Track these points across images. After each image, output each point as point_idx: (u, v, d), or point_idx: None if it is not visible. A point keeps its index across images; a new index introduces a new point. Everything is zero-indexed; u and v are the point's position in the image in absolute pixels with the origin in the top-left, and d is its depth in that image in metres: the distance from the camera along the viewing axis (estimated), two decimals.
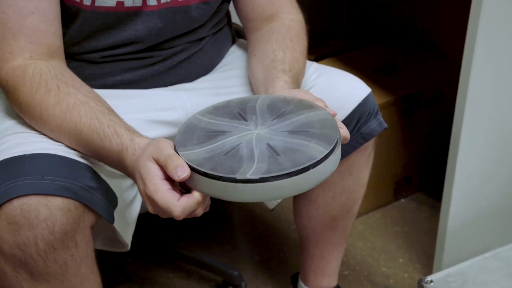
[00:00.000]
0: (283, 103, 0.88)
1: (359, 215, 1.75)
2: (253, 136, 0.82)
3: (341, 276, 1.50)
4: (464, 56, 1.24)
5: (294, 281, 1.44)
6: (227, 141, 0.82)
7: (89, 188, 0.89)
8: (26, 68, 0.93)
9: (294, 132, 0.82)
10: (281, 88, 0.96)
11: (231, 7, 1.20)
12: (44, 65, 0.94)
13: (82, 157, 0.92)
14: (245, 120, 0.86)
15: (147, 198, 0.81)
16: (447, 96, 1.69)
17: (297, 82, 1.02)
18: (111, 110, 0.92)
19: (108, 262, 1.49)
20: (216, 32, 1.18)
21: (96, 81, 1.07)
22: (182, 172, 0.77)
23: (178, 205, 0.78)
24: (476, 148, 1.35)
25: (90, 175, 0.91)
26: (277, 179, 0.75)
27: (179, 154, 0.80)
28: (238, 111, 0.88)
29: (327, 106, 0.89)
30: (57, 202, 0.84)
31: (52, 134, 0.93)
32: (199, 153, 0.80)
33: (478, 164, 1.38)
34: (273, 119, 0.85)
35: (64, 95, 0.91)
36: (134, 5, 1.02)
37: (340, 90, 1.11)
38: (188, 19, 1.08)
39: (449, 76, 1.70)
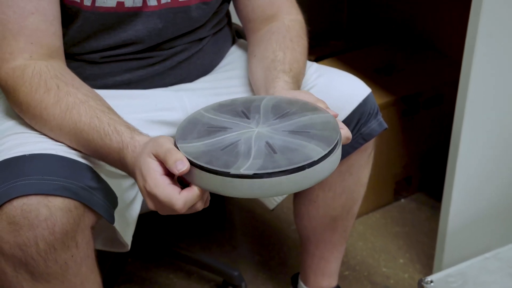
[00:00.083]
0: (288, 104, 0.88)
1: (359, 215, 1.75)
2: (253, 133, 0.82)
3: (341, 277, 1.50)
4: (464, 56, 1.24)
5: (294, 281, 1.44)
6: (226, 137, 0.82)
7: (90, 188, 0.89)
8: (26, 69, 0.93)
9: (295, 132, 0.82)
10: (282, 89, 0.96)
11: (231, 8, 1.20)
12: (43, 65, 0.94)
13: (82, 157, 0.92)
14: (248, 118, 0.86)
15: (147, 194, 0.80)
16: (447, 96, 1.69)
17: (297, 82, 1.02)
18: (110, 109, 0.92)
19: (108, 262, 1.49)
20: (216, 33, 1.18)
21: (96, 81, 1.07)
22: (181, 166, 0.77)
23: (180, 198, 0.78)
24: (476, 148, 1.35)
25: (91, 175, 0.91)
26: (271, 176, 0.75)
27: (177, 147, 0.80)
28: (242, 109, 0.88)
29: (328, 108, 0.89)
30: (57, 202, 0.84)
31: (52, 133, 0.93)
32: (197, 146, 0.80)
33: (478, 164, 1.38)
34: (276, 119, 0.85)
35: (64, 94, 0.91)
36: (134, 5, 1.02)
37: (340, 90, 1.11)
38: (188, 19, 1.08)
39: (449, 76, 1.70)
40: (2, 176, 0.85)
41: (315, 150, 0.78)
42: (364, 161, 1.20)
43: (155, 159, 0.80)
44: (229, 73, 1.18)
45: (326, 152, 0.78)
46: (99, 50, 1.06)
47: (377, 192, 1.75)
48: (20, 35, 0.94)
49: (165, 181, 0.79)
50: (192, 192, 0.79)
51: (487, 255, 1.28)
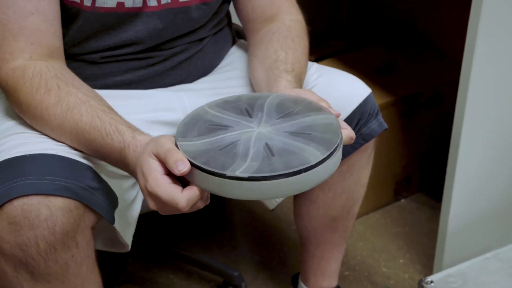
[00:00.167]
0: (293, 103, 0.88)
1: (360, 215, 1.75)
2: (254, 134, 0.82)
3: (341, 277, 1.50)
4: (464, 56, 1.24)
5: (295, 281, 1.44)
6: (226, 136, 0.82)
7: (90, 188, 0.89)
8: (26, 69, 0.93)
9: (296, 133, 0.82)
10: (284, 88, 0.96)
11: (231, 8, 1.20)
12: (43, 65, 0.94)
13: (83, 157, 0.92)
14: (250, 116, 0.86)
15: (148, 194, 0.80)
16: (447, 97, 1.69)
17: (299, 82, 1.02)
18: (111, 109, 0.92)
19: (108, 262, 1.49)
20: (216, 33, 1.18)
21: (96, 81, 1.07)
22: (182, 166, 0.77)
23: (182, 196, 0.78)
24: (476, 148, 1.35)
25: (91, 175, 0.91)
26: (266, 179, 0.75)
27: (177, 144, 0.80)
28: (245, 107, 0.88)
29: (330, 107, 0.89)
30: (57, 202, 0.84)
31: (53, 133, 0.93)
32: (196, 145, 0.80)
33: (478, 164, 1.38)
34: (278, 118, 0.85)
35: (64, 94, 0.91)
36: (135, 5, 1.02)
37: (341, 90, 1.11)
38: (189, 20, 1.08)
39: (449, 76, 1.70)
40: (2, 176, 0.85)
41: (313, 154, 0.77)
42: (364, 161, 1.20)
43: (156, 159, 0.80)
44: (229, 73, 1.18)
45: (324, 156, 0.77)
46: (99, 51, 1.06)
47: (377, 192, 1.75)
48: (20, 35, 0.94)
49: (166, 180, 0.79)
50: (193, 191, 0.79)
51: (487, 255, 1.28)
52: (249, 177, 0.75)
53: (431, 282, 1.22)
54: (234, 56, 1.23)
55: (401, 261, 1.62)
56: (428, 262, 1.59)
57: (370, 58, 1.83)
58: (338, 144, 0.80)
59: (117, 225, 0.96)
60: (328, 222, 1.25)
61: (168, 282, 1.56)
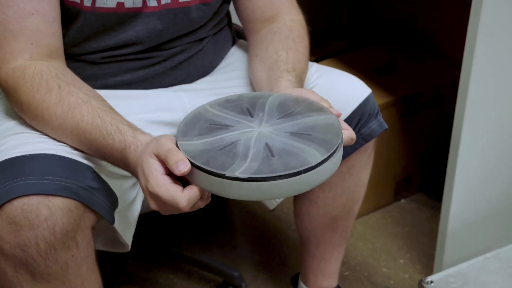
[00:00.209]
0: (294, 103, 0.88)
1: (360, 215, 1.75)
2: (254, 134, 0.82)
3: (341, 277, 1.50)
4: (465, 56, 1.24)
5: (295, 281, 1.44)
6: (226, 136, 0.82)
7: (90, 188, 0.89)
8: (26, 69, 0.93)
9: (296, 134, 0.81)
10: (286, 88, 0.96)
11: (231, 8, 1.20)
12: (44, 65, 0.94)
13: (83, 158, 0.92)
14: (251, 116, 0.86)
15: (149, 194, 0.81)
16: (447, 97, 1.69)
17: (300, 82, 1.02)
18: (112, 109, 0.92)
19: (108, 262, 1.49)
20: (216, 33, 1.18)
21: (96, 81, 1.07)
22: (183, 167, 0.77)
23: (184, 196, 0.78)
24: (476, 148, 1.35)
25: (91, 176, 0.91)
26: (265, 180, 0.75)
27: (177, 144, 0.80)
28: (247, 106, 0.88)
29: (331, 106, 0.89)
30: (57, 202, 0.85)
31: (54, 133, 0.93)
32: (196, 145, 0.80)
33: (478, 164, 1.38)
34: (279, 118, 0.85)
35: (65, 94, 0.91)
36: (134, 6, 1.02)
37: (341, 90, 1.11)
38: (188, 20, 1.08)
39: (449, 76, 1.70)
40: (2, 176, 0.86)
41: (313, 155, 0.77)
42: (365, 162, 1.20)
43: (156, 159, 0.80)
44: (229, 73, 1.18)
45: (324, 157, 0.77)
46: (99, 51, 1.06)
47: (378, 193, 1.75)
48: (20, 36, 0.94)
49: (167, 180, 0.79)
50: (194, 190, 0.79)
51: (487, 255, 1.28)
52: (248, 177, 0.75)
53: (431, 282, 1.22)
54: (234, 57, 1.23)
55: (401, 261, 1.62)
56: (428, 262, 1.59)
57: (370, 58, 1.83)
58: (338, 146, 0.80)
59: (117, 225, 0.97)
60: (328, 222, 1.25)
61: (168, 282, 1.56)
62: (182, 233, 1.71)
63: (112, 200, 0.94)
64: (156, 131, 1.05)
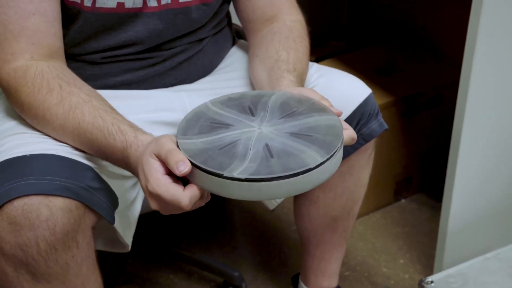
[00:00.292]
0: (297, 103, 0.87)
1: (360, 215, 1.75)
2: (254, 134, 0.82)
3: (341, 277, 1.50)
4: (465, 56, 1.24)
5: (295, 281, 1.44)
6: (226, 135, 0.82)
7: (90, 188, 0.89)
8: (28, 69, 0.93)
9: (297, 135, 0.81)
10: (287, 87, 0.96)
11: (231, 8, 1.20)
12: (45, 65, 0.94)
13: (83, 158, 0.92)
14: (253, 115, 0.85)
15: (149, 194, 0.81)
16: (448, 97, 1.69)
17: (301, 81, 1.02)
18: (113, 109, 0.92)
19: (109, 263, 1.49)
20: (216, 33, 1.18)
21: (96, 81, 1.07)
22: (183, 167, 0.77)
23: (185, 195, 0.78)
24: (476, 148, 1.35)
25: (91, 176, 0.91)
26: (263, 181, 0.75)
27: (177, 142, 0.80)
28: (249, 105, 0.87)
29: (332, 106, 0.89)
30: (58, 202, 0.85)
31: (55, 133, 0.93)
32: (196, 143, 0.80)
33: (478, 164, 1.38)
34: (281, 118, 0.85)
35: (66, 94, 0.91)
36: (135, 6, 1.02)
37: (341, 90, 1.11)
38: (189, 20, 1.08)
39: (449, 76, 1.70)
40: (3, 176, 0.86)
41: (313, 157, 0.77)
42: (365, 162, 1.20)
43: (156, 159, 0.80)
44: (229, 74, 1.18)
45: (323, 160, 0.77)
46: (100, 51, 1.06)
47: (378, 193, 1.76)
48: (21, 36, 0.94)
49: (167, 180, 0.79)
50: (195, 189, 0.79)
51: (487, 255, 1.28)
52: (246, 178, 0.75)
53: (432, 282, 1.22)
54: (235, 57, 1.23)
55: (402, 261, 1.62)
56: (428, 262, 1.60)
57: (370, 58, 1.83)
58: (338, 148, 0.80)
59: (117, 225, 0.97)
60: (328, 223, 1.25)
61: (169, 282, 1.56)
62: (182, 233, 1.71)
63: (112, 200, 0.94)
64: (156, 131, 1.05)
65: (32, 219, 0.83)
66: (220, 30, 1.19)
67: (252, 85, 1.12)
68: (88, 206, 0.89)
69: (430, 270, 1.57)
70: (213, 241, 1.69)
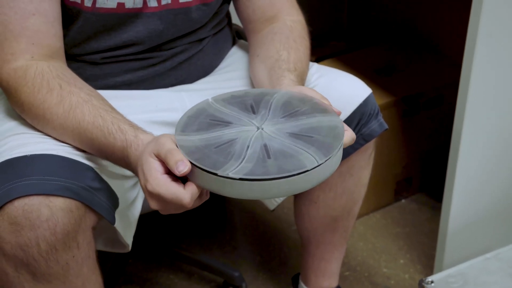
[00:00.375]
0: (300, 102, 0.87)
1: (360, 216, 1.75)
2: (253, 133, 0.82)
3: (342, 277, 1.50)
4: (465, 56, 1.24)
5: (295, 281, 1.44)
6: (225, 133, 0.81)
7: (91, 188, 0.89)
8: (28, 69, 0.93)
9: (297, 135, 0.81)
10: (287, 86, 0.96)
11: (231, 8, 1.20)
12: (45, 65, 0.94)
13: (84, 158, 0.93)
14: (254, 113, 0.85)
15: (149, 194, 0.81)
16: (448, 97, 1.69)
17: (301, 81, 1.02)
18: (113, 108, 0.92)
19: (109, 263, 1.49)
20: (216, 33, 1.18)
21: (97, 82, 1.07)
22: (182, 167, 0.77)
23: (186, 192, 0.78)
24: (476, 149, 1.35)
25: (92, 176, 0.91)
26: (257, 181, 0.75)
27: (175, 138, 0.80)
28: (251, 103, 0.87)
29: (331, 105, 0.89)
30: (58, 203, 0.85)
31: (55, 133, 0.93)
32: (193, 140, 0.80)
33: (478, 164, 1.38)
34: (283, 117, 0.84)
35: (66, 94, 0.91)
36: (135, 6, 1.02)
37: (341, 91, 1.11)
38: (189, 20, 1.08)
39: (449, 77, 1.70)
40: (3, 176, 0.86)
41: (310, 159, 0.77)
42: (365, 162, 1.20)
43: (156, 159, 0.80)
44: (229, 74, 1.19)
45: (321, 162, 0.76)
46: (100, 51, 1.06)
47: (378, 193, 1.76)
48: (22, 36, 0.94)
49: (167, 179, 0.79)
50: (194, 186, 0.79)
51: (487, 255, 1.28)
52: (240, 178, 0.75)
53: (432, 282, 1.22)
54: (235, 57, 1.23)
55: (402, 261, 1.62)
56: (428, 262, 1.60)
57: (370, 58, 1.83)
58: (338, 149, 0.79)
59: (117, 225, 0.97)
60: (329, 223, 1.25)
61: (169, 282, 1.56)
62: (183, 234, 1.71)
63: (112, 200, 0.94)
64: (157, 131, 1.05)
65: (32, 219, 0.83)
66: (220, 30, 1.19)
67: (253, 85, 1.13)
68: (88, 206, 0.89)
69: (430, 270, 1.57)
70: (213, 241, 1.69)
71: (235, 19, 1.22)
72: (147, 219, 1.22)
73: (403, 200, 1.83)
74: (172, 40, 1.09)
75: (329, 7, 2.22)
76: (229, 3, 1.18)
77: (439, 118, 1.73)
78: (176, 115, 1.09)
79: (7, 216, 0.83)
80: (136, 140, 0.86)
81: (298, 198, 1.27)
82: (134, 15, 1.03)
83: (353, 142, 0.86)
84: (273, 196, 0.77)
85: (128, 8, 1.02)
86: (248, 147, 0.79)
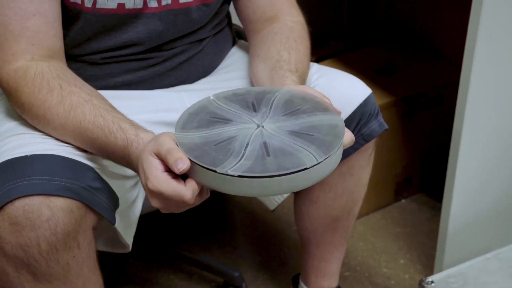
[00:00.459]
0: (301, 101, 0.87)
1: (360, 216, 1.75)
2: (253, 131, 0.82)
3: (342, 277, 1.50)
4: (465, 57, 1.24)
5: (295, 282, 1.44)
6: (224, 131, 0.81)
7: (91, 188, 0.89)
8: (28, 69, 0.93)
9: (297, 134, 0.81)
10: (289, 86, 0.96)
11: (231, 8, 1.20)
12: (45, 65, 0.94)
13: (84, 158, 0.93)
14: (255, 111, 0.85)
15: (150, 192, 0.81)
16: (448, 97, 1.70)
17: (302, 82, 1.03)
18: (114, 108, 0.93)
19: (109, 263, 1.49)
20: (216, 33, 1.18)
21: (97, 82, 1.07)
22: (182, 165, 0.77)
23: (187, 189, 0.78)
24: (476, 149, 1.35)
25: (92, 176, 0.91)
26: (256, 178, 0.75)
27: (175, 136, 0.80)
28: (252, 101, 0.87)
29: (331, 104, 0.89)
30: (59, 203, 0.85)
31: (56, 133, 0.93)
32: (192, 137, 0.80)
33: (478, 164, 1.38)
34: (284, 115, 0.84)
35: (67, 93, 0.91)
36: (135, 7, 1.02)
37: (341, 91, 1.11)
38: (189, 21, 1.08)
39: (449, 77, 1.71)
40: (3, 176, 0.86)
41: (310, 157, 0.77)
42: (365, 162, 1.20)
43: (156, 157, 0.80)
44: (230, 74, 1.19)
45: (320, 160, 0.76)
46: (100, 51, 1.06)
47: (378, 193, 1.76)
48: (22, 37, 0.94)
49: (168, 177, 0.79)
50: (194, 183, 0.79)
51: (487, 255, 1.28)
52: (238, 175, 0.75)
53: (432, 282, 1.22)
54: (235, 57, 1.23)
55: (402, 261, 1.62)
56: (428, 262, 1.60)
57: (370, 58, 1.83)
58: (338, 148, 0.79)
59: (118, 225, 0.97)
60: (329, 223, 1.25)
61: (169, 282, 1.56)
62: (183, 234, 1.71)
63: (113, 200, 0.94)
64: (156, 132, 1.05)
65: (33, 220, 0.83)
66: (220, 31, 1.19)
67: (253, 85, 1.13)
68: (89, 206, 0.89)
69: (430, 270, 1.57)
70: (214, 242, 1.69)
71: (235, 19, 1.22)
72: (148, 219, 1.22)
73: (403, 200, 1.83)
74: (172, 41, 1.09)
75: (329, 7, 2.22)
76: (229, 3, 1.18)
77: (439, 118, 1.73)
78: (176, 115, 1.09)
79: (8, 216, 0.83)
80: (137, 139, 0.86)
81: (298, 198, 1.27)
82: (134, 15, 1.03)
83: (351, 144, 0.86)
84: (273, 193, 0.77)
85: (129, 9, 1.02)
86: (247, 144, 0.79)
